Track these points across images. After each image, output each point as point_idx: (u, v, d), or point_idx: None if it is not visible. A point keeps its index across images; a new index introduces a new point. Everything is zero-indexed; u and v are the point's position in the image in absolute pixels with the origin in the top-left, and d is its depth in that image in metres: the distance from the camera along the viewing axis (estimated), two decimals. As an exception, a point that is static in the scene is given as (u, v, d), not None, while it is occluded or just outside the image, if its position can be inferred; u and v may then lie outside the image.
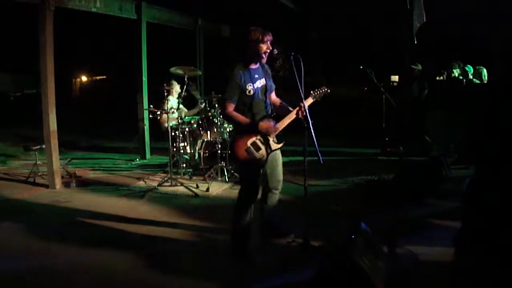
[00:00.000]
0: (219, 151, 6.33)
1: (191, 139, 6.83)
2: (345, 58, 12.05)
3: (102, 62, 19.40)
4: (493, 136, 2.46)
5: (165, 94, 6.37)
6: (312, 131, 3.56)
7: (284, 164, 4.07)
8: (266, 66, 3.83)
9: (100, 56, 18.29)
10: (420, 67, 8.27)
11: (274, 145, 3.73)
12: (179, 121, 6.55)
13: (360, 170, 6.69)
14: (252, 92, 3.63)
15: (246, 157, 3.58)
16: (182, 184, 5.98)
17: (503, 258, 2.29)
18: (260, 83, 3.71)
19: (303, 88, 3.63)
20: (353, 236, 3.02)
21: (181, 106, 6.80)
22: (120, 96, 13.82)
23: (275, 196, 4.02)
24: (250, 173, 3.69)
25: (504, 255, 2.30)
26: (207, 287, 3.38)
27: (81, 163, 7.88)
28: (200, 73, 8.99)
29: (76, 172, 6.61)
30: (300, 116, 3.69)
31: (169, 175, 6.11)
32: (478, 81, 7.76)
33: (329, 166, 6.73)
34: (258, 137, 3.63)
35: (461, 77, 7.73)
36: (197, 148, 6.74)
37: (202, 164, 6.53)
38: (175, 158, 6.71)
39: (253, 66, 3.70)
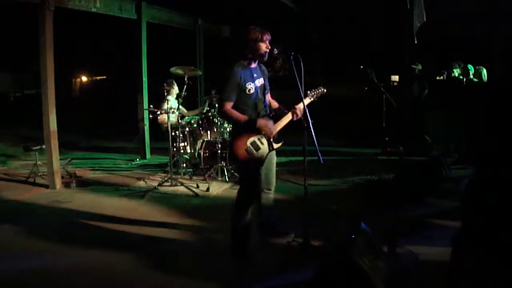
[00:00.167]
0: (219, 151, 6.33)
1: (191, 139, 6.83)
2: (345, 58, 12.08)
3: (102, 62, 19.41)
4: (493, 136, 2.46)
5: (165, 93, 6.37)
6: (312, 131, 3.57)
7: (284, 164, 4.09)
8: (263, 67, 3.84)
9: (100, 56, 18.30)
10: (420, 67, 8.27)
11: (273, 145, 3.73)
12: (179, 121, 6.55)
13: (360, 170, 6.69)
14: (252, 91, 3.63)
15: (245, 156, 3.58)
16: (182, 184, 5.98)
17: (503, 258, 2.29)
18: (259, 82, 3.72)
19: (303, 88, 3.63)
20: (353, 236, 3.02)
21: (180, 106, 6.79)
22: (120, 96, 13.83)
23: (270, 195, 4.02)
24: (250, 173, 3.69)
25: (504, 255, 2.30)
26: (207, 287, 3.38)
27: (81, 163, 7.88)
28: (200, 73, 8.99)
29: (76, 172, 6.61)
30: (295, 118, 3.72)
31: (169, 175, 6.11)
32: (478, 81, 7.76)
33: (329, 166, 6.73)
34: (258, 136, 3.64)
35: (461, 77, 7.72)
36: (197, 148, 6.74)
37: (202, 164, 6.53)
38: (175, 158, 6.71)
39: (252, 65, 3.71)
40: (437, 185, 5.40)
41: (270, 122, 3.67)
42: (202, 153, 6.53)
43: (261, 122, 3.60)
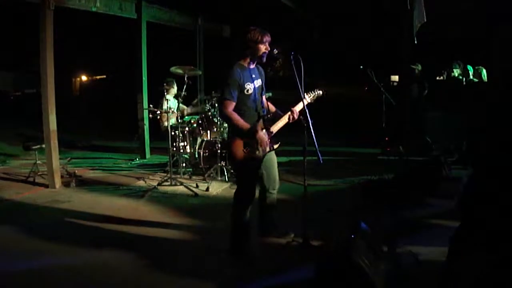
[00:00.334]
0: (219, 151, 6.33)
1: (191, 139, 6.83)
2: (345, 58, 12.06)
3: (102, 61, 19.38)
4: (493, 136, 2.46)
5: (164, 93, 6.36)
6: (312, 131, 3.57)
7: (284, 164, 4.09)
8: (261, 68, 3.84)
9: (100, 55, 18.27)
10: (420, 67, 8.27)
11: (272, 146, 3.73)
12: (179, 120, 6.54)
13: (360, 170, 6.70)
14: (250, 91, 3.63)
15: (243, 156, 3.58)
16: (182, 184, 5.98)
17: (500, 258, 2.29)
18: (257, 83, 3.72)
19: (303, 88, 3.64)
20: (353, 236, 3.02)
21: (181, 105, 6.79)
22: (120, 96, 13.80)
23: (273, 196, 4.02)
24: (248, 173, 3.69)
25: (503, 255, 2.30)
26: (206, 287, 3.38)
27: (81, 162, 7.88)
28: (200, 73, 8.99)
29: (76, 171, 6.61)
30: (291, 121, 3.73)
31: (169, 175, 6.11)
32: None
33: (329, 166, 6.75)
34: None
35: (461, 77, 7.72)
36: (197, 147, 6.74)
37: (202, 163, 6.53)
38: (175, 158, 6.71)
39: (251, 66, 3.71)
40: (437, 185, 5.40)
41: (267, 140, 3.65)
42: (201, 152, 6.53)
43: (260, 136, 3.59)
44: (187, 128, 6.74)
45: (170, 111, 6.30)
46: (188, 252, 3.97)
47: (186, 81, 6.51)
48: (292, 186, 5.81)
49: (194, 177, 6.52)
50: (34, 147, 6.56)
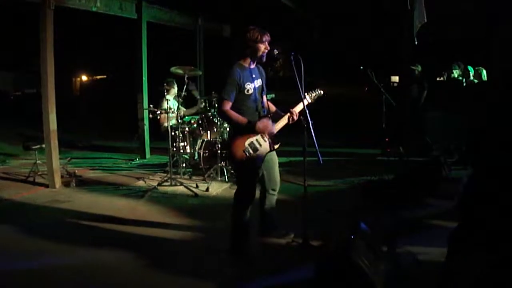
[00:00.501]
0: (219, 151, 6.33)
1: (191, 139, 6.83)
2: (345, 58, 12.06)
3: (102, 62, 19.38)
4: (493, 136, 2.46)
5: (165, 93, 6.36)
6: (312, 132, 3.56)
7: (284, 164, 4.09)
8: (261, 68, 3.84)
9: (100, 55, 18.27)
10: (419, 68, 8.27)
11: (272, 146, 3.73)
12: (179, 120, 6.54)
13: (360, 170, 6.69)
14: (250, 91, 3.63)
15: (243, 157, 3.58)
16: (181, 184, 5.97)
17: (500, 258, 2.30)
18: (258, 83, 3.72)
19: (303, 88, 3.64)
20: (352, 237, 3.02)
21: (181, 107, 6.80)
22: (120, 96, 13.80)
23: (273, 197, 4.02)
24: (248, 173, 3.69)
25: (502, 255, 2.30)
26: (206, 287, 3.37)
27: (81, 162, 7.88)
28: (200, 73, 8.99)
29: (76, 171, 6.60)
30: (291, 122, 3.72)
31: (168, 175, 6.11)
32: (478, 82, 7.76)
33: (329, 166, 6.74)
34: (256, 137, 3.63)
35: (460, 78, 7.73)
36: (197, 148, 6.74)
37: (202, 164, 6.52)
38: (175, 158, 6.71)
39: (251, 66, 3.71)
40: (437, 186, 5.40)
41: (270, 123, 3.66)
42: (201, 153, 6.53)
43: (260, 125, 3.58)
44: (187, 129, 6.73)
45: (170, 111, 6.29)
46: (188, 252, 3.97)
47: (186, 81, 6.51)
48: (292, 187, 5.81)
49: (194, 178, 6.51)
50: (34, 147, 6.55)
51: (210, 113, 6.67)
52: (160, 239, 4.26)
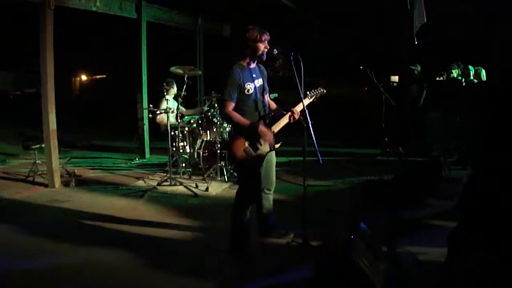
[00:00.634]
0: (218, 151, 6.33)
1: (190, 139, 6.83)
2: (345, 58, 12.07)
3: (101, 62, 19.38)
4: (493, 136, 2.46)
5: (164, 93, 6.36)
6: (312, 132, 3.56)
7: (284, 164, 4.08)
8: (263, 67, 3.83)
9: (100, 55, 18.27)
10: (419, 67, 8.27)
11: (273, 145, 3.73)
12: (178, 120, 6.54)
13: (360, 170, 6.69)
14: (251, 91, 3.63)
15: (244, 157, 3.58)
16: (181, 184, 5.97)
17: (500, 258, 2.29)
18: (258, 82, 3.71)
19: (303, 88, 3.63)
20: (352, 237, 3.02)
21: (180, 107, 6.79)
22: (120, 96, 13.80)
23: (269, 196, 4.03)
24: (249, 173, 3.69)
25: (502, 255, 2.30)
26: (206, 287, 3.37)
27: (80, 162, 7.88)
28: (200, 72, 8.99)
29: (76, 171, 6.60)
30: (292, 121, 3.71)
31: (168, 175, 6.10)
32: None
33: (329, 166, 6.75)
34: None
35: (459, 77, 7.73)
36: (196, 147, 6.73)
37: (202, 163, 6.52)
38: (174, 158, 6.71)
39: (251, 66, 3.70)
40: (437, 186, 5.40)
41: (271, 135, 3.66)
42: (201, 152, 6.53)
43: (262, 129, 3.58)
44: (186, 128, 6.73)
45: (170, 111, 6.29)
46: (188, 252, 3.97)
47: (186, 81, 6.50)
48: (292, 187, 5.81)
49: (193, 177, 6.51)
50: (33, 147, 6.55)
51: (209, 113, 6.67)
52: (160, 238, 4.26)
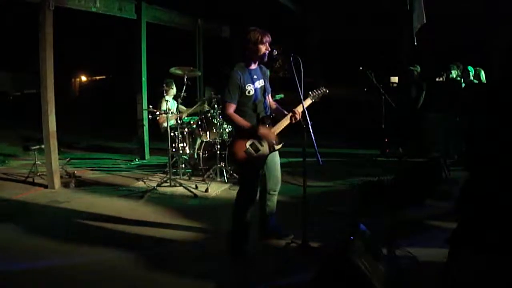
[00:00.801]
0: (218, 152, 6.32)
1: (190, 140, 6.82)
2: (345, 59, 12.06)
3: (102, 62, 19.39)
4: (492, 136, 2.45)
5: (164, 94, 6.36)
6: (312, 132, 3.56)
7: (283, 165, 4.08)
8: (264, 68, 3.83)
9: (100, 56, 18.28)
10: (418, 68, 8.27)
11: (274, 146, 3.73)
12: (178, 121, 6.54)
13: (360, 171, 6.69)
14: (252, 93, 3.63)
15: (245, 158, 3.57)
16: (181, 185, 5.97)
17: (501, 258, 2.29)
18: (259, 83, 3.71)
19: (302, 89, 3.63)
20: (352, 238, 3.01)
21: (180, 106, 6.79)
22: (120, 97, 13.81)
23: (274, 197, 4.02)
24: (249, 174, 3.69)
25: (503, 256, 2.29)
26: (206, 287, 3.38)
27: (80, 163, 7.87)
28: (200, 73, 8.99)
29: (75, 172, 6.61)
30: (293, 121, 3.70)
31: (168, 176, 6.10)
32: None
33: (328, 167, 6.74)
34: (258, 138, 3.63)
35: (459, 78, 7.73)
36: (196, 148, 6.73)
37: (201, 164, 6.52)
38: (174, 159, 6.71)
39: (252, 67, 3.70)
40: (436, 187, 5.39)
41: (273, 136, 3.66)
42: (201, 153, 6.53)
43: (263, 131, 3.58)
44: (186, 129, 6.73)
45: (170, 112, 6.29)
46: (187, 252, 3.97)
47: (186, 82, 6.50)
48: (292, 187, 5.81)
49: (193, 178, 6.51)
50: (33, 148, 6.55)
51: (209, 114, 6.67)
52: (159, 239, 4.25)
